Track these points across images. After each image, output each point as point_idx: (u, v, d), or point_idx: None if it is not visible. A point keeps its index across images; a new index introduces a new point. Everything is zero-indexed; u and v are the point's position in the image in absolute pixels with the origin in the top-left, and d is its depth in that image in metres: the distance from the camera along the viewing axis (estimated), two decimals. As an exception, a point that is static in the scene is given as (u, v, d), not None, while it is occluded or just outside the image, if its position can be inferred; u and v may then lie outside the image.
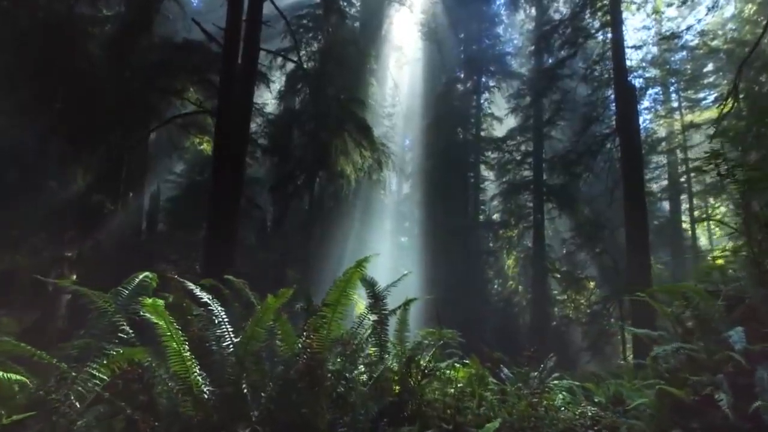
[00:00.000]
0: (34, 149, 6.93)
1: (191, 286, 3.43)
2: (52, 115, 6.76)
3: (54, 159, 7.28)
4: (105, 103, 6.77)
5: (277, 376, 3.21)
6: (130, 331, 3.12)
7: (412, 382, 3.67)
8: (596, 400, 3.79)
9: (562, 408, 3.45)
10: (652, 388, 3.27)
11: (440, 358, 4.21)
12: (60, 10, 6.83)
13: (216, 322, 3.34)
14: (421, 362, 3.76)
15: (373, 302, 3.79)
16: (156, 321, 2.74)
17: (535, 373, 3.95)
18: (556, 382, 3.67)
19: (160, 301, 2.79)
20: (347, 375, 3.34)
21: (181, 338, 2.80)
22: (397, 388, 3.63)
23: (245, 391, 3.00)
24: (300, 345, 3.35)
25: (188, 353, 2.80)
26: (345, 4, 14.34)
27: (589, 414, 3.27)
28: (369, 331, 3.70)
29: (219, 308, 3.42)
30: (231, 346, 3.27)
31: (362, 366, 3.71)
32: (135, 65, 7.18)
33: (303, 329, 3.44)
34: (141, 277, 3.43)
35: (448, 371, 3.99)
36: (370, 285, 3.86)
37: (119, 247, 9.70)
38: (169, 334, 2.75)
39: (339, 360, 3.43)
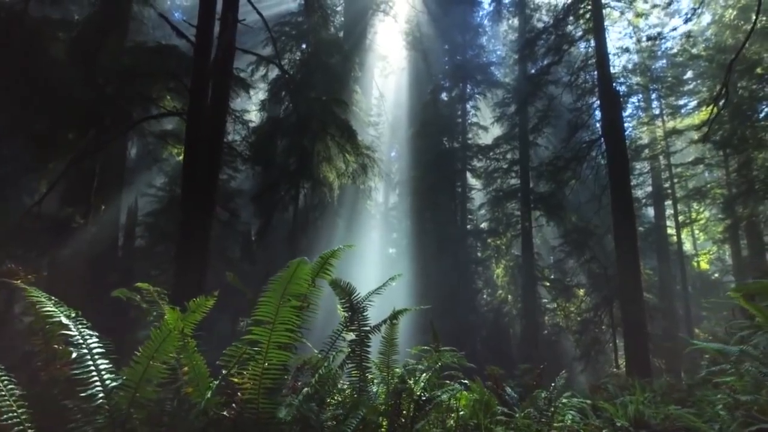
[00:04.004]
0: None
1: (40, 298, 2.35)
2: (9, 117, 6.34)
3: (12, 166, 6.84)
4: (71, 108, 6.41)
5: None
6: None
7: (403, 419, 2.93)
8: (618, 424, 3.26)
9: (584, 439, 2.95)
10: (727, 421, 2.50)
11: (437, 382, 3.51)
12: (13, 7, 6.45)
13: (75, 355, 2.19)
14: (415, 390, 3.00)
15: (351, 316, 2.86)
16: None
17: (545, 393, 3.35)
18: (564, 400, 3.13)
19: None
20: (312, 419, 2.34)
21: None
22: (385, 428, 2.92)
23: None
24: (216, 389, 2.30)
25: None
26: (329, 12, 14.21)
27: (618, 445, 2.81)
28: (345, 354, 2.84)
29: (87, 333, 2.28)
30: (101, 394, 2.09)
31: (338, 398, 2.90)
32: (106, 69, 6.82)
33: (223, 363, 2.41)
34: None
35: (446, 397, 3.16)
36: (346, 293, 2.91)
37: (93, 264, 9.24)
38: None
39: (298, 401, 2.33)
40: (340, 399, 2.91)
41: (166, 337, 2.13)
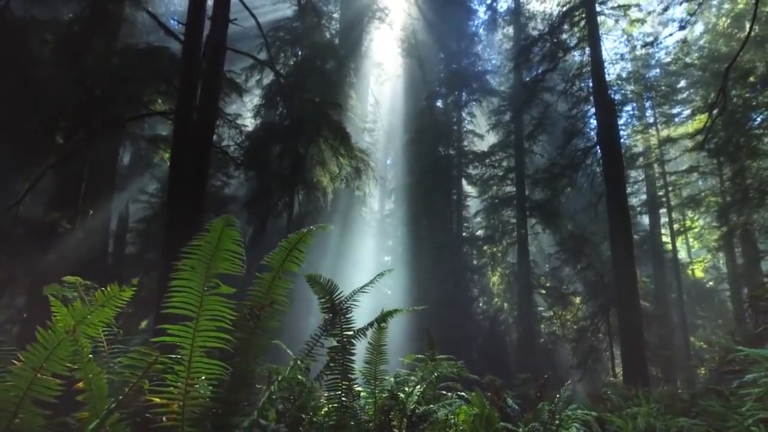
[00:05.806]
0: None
1: None
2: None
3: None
4: (58, 109, 6.24)
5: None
6: None
7: (394, 439, 2.50)
8: (631, 440, 3.05)
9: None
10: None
11: (433, 395, 3.14)
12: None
13: None
14: (408, 405, 2.64)
15: (332, 318, 2.41)
16: None
17: (549, 406, 3.08)
18: (569, 413, 2.90)
19: None
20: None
21: None
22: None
23: None
24: (124, 414, 1.67)
25: None
26: (324, 16, 14.18)
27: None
28: (325, 364, 2.40)
29: None
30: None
31: (320, 415, 2.43)
32: (94, 70, 6.67)
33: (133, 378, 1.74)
34: None
35: (443, 413, 2.73)
36: (326, 292, 2.45)
37: (81, 270, 9.01)
38: None
39: (243, 426, 1.64)
40: (319, 417, 2.48)
41: (60, 341, 1.53)
